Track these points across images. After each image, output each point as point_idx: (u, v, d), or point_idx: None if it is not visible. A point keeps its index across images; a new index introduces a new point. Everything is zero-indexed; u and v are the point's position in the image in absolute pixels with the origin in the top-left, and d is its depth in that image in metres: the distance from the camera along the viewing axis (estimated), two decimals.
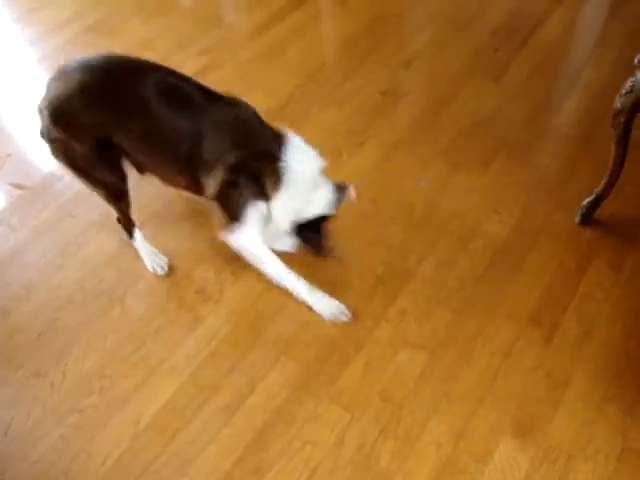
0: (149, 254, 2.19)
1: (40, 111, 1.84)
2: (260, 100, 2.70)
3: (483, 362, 1.89)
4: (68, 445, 1.80)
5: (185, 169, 1.88)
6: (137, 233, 2.17)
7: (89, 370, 1.96)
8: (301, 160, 1.87)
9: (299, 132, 2.54)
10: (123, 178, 1.98)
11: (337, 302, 2.02)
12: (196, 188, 1.92)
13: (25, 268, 2.20)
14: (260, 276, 2.12)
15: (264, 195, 1.89)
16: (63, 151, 1.89)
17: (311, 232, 1.97)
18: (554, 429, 1.75)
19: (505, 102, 2.68)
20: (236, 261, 2.17)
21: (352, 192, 1.96)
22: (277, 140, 1.87)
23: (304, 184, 1.88)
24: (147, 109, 1.79)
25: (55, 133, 1.84)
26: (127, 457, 1.77)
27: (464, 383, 1.86)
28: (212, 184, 1.85)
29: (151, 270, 2.18)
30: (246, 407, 1.84)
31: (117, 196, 2.03)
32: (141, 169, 1.99)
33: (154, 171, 1.97)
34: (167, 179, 1.99)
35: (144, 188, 2.16)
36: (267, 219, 1.95)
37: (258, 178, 1.86)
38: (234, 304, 2.07)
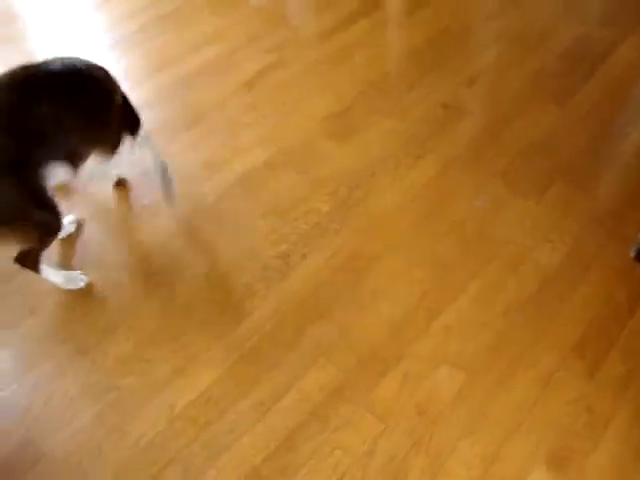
0: (62, 277, 2.15)
1: None
2: (323, 102, 2.75)
3: (522, 388, 1.87)
4: (103, 422, 1.84)
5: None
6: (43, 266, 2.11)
7: (130, 351, 1.99)
8: None
9: (359, 138, 2.59)
10: None
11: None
12: None
13: (78, 246, 2.25)
14: (308, 275, 2.14)
15: None
16: None
17: None
18: (590, 466, 1.71)
19: (567, 127, 2.64)
20: (282, 259, 2.19)
21: None
22: None
23: None
24: None
25: None
26: (159, 440, 1.79)
27: (501, 407, 1.83)
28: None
29: (70, 287, 2.16)
30: (281, 406, 1.85)
31: None
32: None
33: None
34: None
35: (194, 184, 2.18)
36: None
37: None
38: (279, 301, 2.08)
